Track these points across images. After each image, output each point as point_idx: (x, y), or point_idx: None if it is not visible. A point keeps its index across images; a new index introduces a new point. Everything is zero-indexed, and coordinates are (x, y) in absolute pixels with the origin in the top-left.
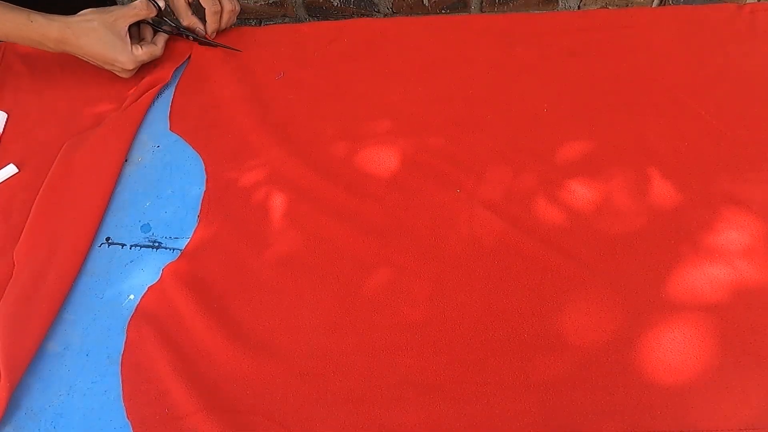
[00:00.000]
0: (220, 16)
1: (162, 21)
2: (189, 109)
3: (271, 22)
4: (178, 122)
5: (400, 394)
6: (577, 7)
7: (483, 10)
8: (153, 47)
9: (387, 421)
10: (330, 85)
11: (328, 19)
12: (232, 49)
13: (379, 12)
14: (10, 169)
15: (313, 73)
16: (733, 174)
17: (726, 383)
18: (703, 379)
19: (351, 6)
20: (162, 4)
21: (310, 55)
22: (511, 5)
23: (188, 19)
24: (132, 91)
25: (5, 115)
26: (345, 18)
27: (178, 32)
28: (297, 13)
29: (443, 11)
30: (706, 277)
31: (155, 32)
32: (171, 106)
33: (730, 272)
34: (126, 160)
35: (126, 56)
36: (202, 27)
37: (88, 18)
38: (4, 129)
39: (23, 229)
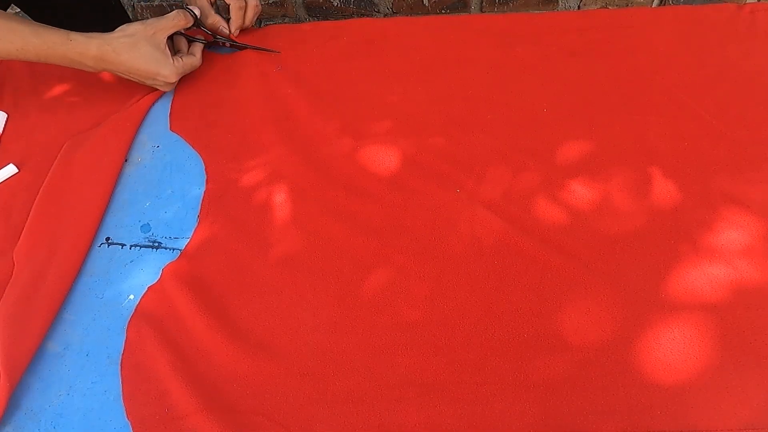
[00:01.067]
0: (245, 12)
1: (197, 30)
2: (189, 109)
3: (271, 22)
4: (178, 122)
5: (400, 394)
6: (577, 7)
7: (483, 10)
8: (192, 58)
9: (387, 421)
10: (330, 85)
11: (328, 19)
12: (270, 50)
13: (379, 12)
14: (10, 169)
15: (313, 73)
16: (733, 174)
17: (726, 383)
18: (703, 379)
19: (351, 6)
20: (198, 13)
21: (310, 55)
22: (511, 5)
23: (212, 17)
24: (134, 93)
25: (5, 115)
26: (345, 18)
27: (214, 41)
28: (297, 13)
29: (443, 11)
30: (705, 277)
31: (190, 43)
32: (171, 106)
33: (730, 272)
34: (126, 160)
35: (168, 69)
36: (225, 25)
37: (126, 33)
38: (4, 129)
39: (23, 229)
